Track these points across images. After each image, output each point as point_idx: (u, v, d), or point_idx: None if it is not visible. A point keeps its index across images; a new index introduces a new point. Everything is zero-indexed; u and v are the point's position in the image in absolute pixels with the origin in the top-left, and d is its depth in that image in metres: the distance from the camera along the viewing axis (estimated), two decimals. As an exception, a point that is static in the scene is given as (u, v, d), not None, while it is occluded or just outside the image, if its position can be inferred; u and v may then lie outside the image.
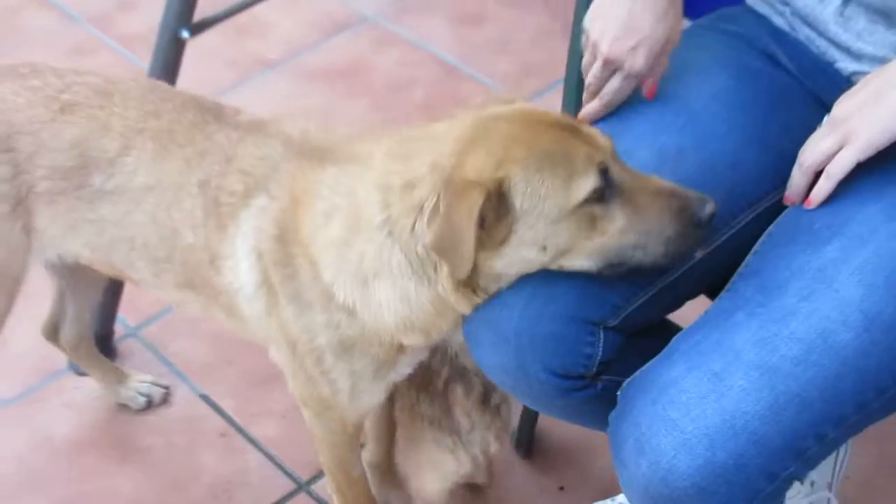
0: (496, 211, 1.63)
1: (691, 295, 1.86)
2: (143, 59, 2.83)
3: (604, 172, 1.62)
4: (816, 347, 1.57)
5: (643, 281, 1.75)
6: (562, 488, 2.47)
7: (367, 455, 2.33)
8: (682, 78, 1.87)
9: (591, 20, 1.81)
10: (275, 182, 1.89)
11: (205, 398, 2.69)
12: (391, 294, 1.77)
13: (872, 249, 1.62)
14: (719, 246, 1.79)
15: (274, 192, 1.88)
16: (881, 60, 1.74)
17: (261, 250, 1.88)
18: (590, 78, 1.83)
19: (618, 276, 1.70)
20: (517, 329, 1.73)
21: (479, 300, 1.75)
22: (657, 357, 1.68)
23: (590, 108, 1.85)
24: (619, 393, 1.70)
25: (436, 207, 1.65)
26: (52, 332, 2.56)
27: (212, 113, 1.99)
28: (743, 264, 1.73)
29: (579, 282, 1.72)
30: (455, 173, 1.64)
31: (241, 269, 1.92)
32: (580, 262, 1.68)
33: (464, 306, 1.76)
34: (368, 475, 2.29)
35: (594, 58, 1.81)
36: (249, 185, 1.90)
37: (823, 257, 1.63)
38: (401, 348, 1.91)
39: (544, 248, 1.67)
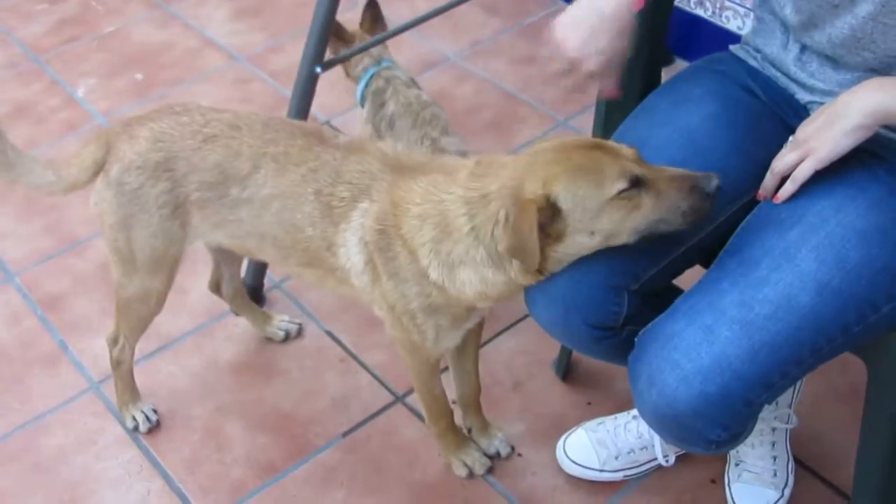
0: (551, 215, 1.65)
1: (689, 265, 1.86)
2: (287, 88, 2.84)
3: (629, 174, 1.63)
4: (782, 307, 1.57)
5: (660, 251, 1.76)
6: (589, 403, 2.46)
7: (455, 395, 2.34)
8: (683, 106, 1.86)
9: (561, 26, 1.74)
10: (375, 190, 1.90)
11: (329, 333, 2.69)
12: (473, 277, 1.80)
13: (824, 234, 1.61)
14: (711, 230, 1.79)
15: (374, 197, 1.90)
16: (829, 93, 1.74)
17: (366, 240, 1.90)
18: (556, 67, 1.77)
19: (648, 243, 1.70)
20: (564, 294, 1.75)
21: (542, 278, 1.76)
22: (664, 314, 1.68)
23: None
24: (636, 340, 1.70)
25: (507, 220, 1.69)
26: (216, 288, 2.58)
27: (315, 137, 2.00)
28: (728, 244, 1.73)
29: (610, 258, 1.73)
30: (517, 195, 1.68)
31: (351, 253, 1.94)
32: (622, 239, 1.68)
33: (531, 283, 1.78)
34: (459, 409, 2.35)
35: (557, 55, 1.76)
36: (355, 193, 1.92)
37: (787, 240, 1.63)
38: (473, 308, 1.93)
39: (593, 234, 1.68)
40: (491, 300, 1.88)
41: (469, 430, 2.36)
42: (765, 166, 1.72)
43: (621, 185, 1.63)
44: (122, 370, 2.40)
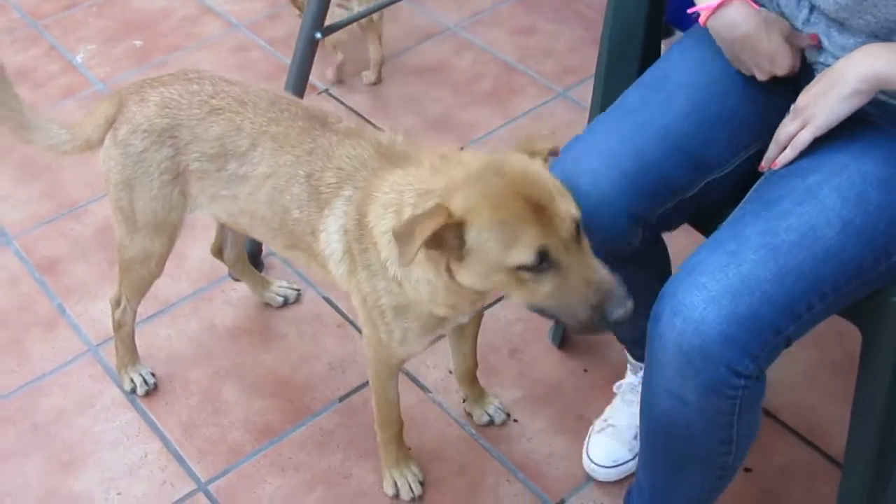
0: (454, 236, 1.60)
1: (682, 219, 1.92)
2: (286, 55, 2.83)
3: (542, 255, 1.57)
4: (808, 237, 1.59)
5: (651, 199, 1.79)
6: (585, 370, 2.47)
7: (454, 368, 2.35)
8: (692, 65, 1.89)
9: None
10: (360, 177, 1.87)
11: (326, 299, 2.70)
12: (420, 276, 1.76)
13: (846, 176, 1.64)
14: (711, 181, 1.83)
15: (359, 184, 1.87)
16: (834, 56, 1.74)
17: (346, 228, 1.88)
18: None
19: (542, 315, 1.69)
20: None
21: (470, 294, 1.76)
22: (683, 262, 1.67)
23: None
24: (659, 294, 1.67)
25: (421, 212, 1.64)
26: (218, 252, 2.59)
27: (318, 120, 1.99)
28: (744, 199, 1.74)
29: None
30: (446, 198, 1.62)
31: (332, 240, 1.92)
32: (515, 300, 1.65)
33: (463, 297, 1.78)
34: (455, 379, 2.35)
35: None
36: (341, 178, 1.89)
37: (810, 181, 1.65)
38: (442, 318, 1.89)
39: (486, 279, 1.64)
40: (447, 308, 1.83)
41: (464, 400, 2.38)
42: (767, 119, 1.76)
43: (525, 260, 1.57)
44: (124, 332, 2.42)
